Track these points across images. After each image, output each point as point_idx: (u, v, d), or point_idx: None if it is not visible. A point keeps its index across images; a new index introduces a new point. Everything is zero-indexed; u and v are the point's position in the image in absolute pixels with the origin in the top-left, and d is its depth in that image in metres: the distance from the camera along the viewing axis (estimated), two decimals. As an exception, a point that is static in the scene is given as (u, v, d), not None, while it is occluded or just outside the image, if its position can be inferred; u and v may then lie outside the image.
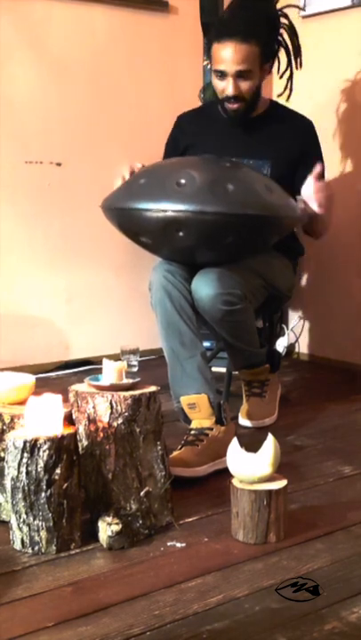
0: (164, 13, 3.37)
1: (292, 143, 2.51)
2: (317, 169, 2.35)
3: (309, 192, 2.37)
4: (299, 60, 2.63)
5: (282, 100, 2.68)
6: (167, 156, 2.62)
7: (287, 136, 2.52)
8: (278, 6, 2.59)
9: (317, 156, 2.55)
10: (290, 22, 2.57)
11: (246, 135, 2.53)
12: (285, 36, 2.57)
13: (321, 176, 2.41)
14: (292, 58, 2.61)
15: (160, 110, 3.20)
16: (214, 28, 2.46)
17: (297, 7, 2.68)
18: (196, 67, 3.37)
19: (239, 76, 2.39)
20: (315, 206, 2.37)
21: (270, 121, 2.54)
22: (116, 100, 3.30)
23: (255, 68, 2.41)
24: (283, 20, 2.56)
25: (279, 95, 2.72)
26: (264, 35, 2.42)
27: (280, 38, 2.55)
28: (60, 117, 3.16)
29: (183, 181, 2.11)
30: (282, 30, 2.55)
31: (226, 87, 2.41)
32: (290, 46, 2.59)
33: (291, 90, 2.67)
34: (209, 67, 3.06)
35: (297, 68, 2.63)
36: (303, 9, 2.74)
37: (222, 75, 2.40)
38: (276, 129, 2.53)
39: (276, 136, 2.52)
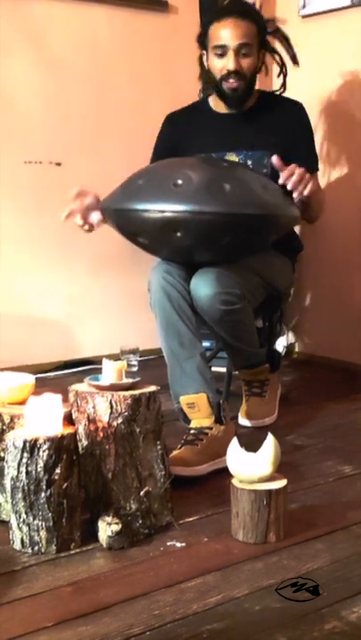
0: (164, 13, 3.37)
1: (285, 129, 2.50)
2: (273, 160, 2.26)
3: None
4: (293, 58, 2.61)
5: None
6: (157, 156, 2.58)
7: (280, 123, 2.51)
8: (275, 8, 2.60)
9: (309, 142, 2.55)
10: (278, 28, 2.57)
11: (240, 128, 2.52)
12: (277, 44, 2.58)
13: (288, 165, 2.28)
14: (284, 62, 2.60)
15: (160, 110, 3.18)
16: (210, 14, 2.49)
17: (276, 19, 2.69)
18: (196, 67, 3.35)
19: (240, 51, 2.39)
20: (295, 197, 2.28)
21: (262, 111, 2.53)
22: (116, 99, 3.30)
23: (255, 45, 2.42)
24: (273, 28, 2.55)
25: (272, 91, 2.70)
26: (259, 19, 2.45)
27: (269, 43, 2.54)
28: (60, 117, 3.16)
29: (180, 182, 2.11)
30: (273, 38, 2.55)
31: (226, 63, 2.40)
32: (282, 52, 2.59)
33: (284, 89, 2.66)
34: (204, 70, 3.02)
35: (296, 65, 2.62)
36: (276, 22, 2.73)
37: (223, 50, 2.40)
38: (268, 118, 2.52)
39: (269, 125, 2.51)
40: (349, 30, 3.13)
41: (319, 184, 2.61)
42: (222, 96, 2.49)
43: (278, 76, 2.62)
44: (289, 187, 2.22)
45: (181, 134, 2.58)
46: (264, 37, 2.48)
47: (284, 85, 2.63)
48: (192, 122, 2.59)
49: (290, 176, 2.22)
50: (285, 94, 2.65)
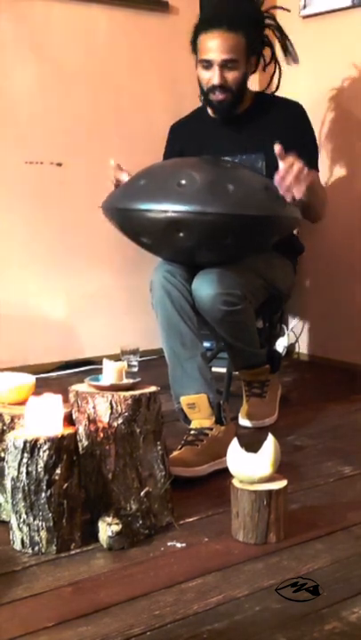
0: (164, 13, 3.37)
1: (281, 132, 2.46)
2: (276, 148, 2.19)
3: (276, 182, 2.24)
4: (290, 57, 2.60)
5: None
6: None
7: (277, 125, 2.50)
8: (273, 5, 2.58)
9: (307, 142, 2.54)
10: (276, 22, 2.56)
11: (236, 132, 2.52)
12: (272, 36, 2.57)
13: (293, 157, 2.23)
14: (277, 56, 2.60)
15: (160, 110, 3.20)
16: (200, 21, 2.47)
17: (286, 10, 2.68)
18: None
19: (225, 65, 2.39)
20: (287, 197, 2.22)
21: (258, 113, 2.53)
22: (117, 100, 3.30)
23: (241, 59, 2.40)
24: (269, 22, 2.55)
25: (264, 90, 2.69)
26: (249, 27, 2.42)
27: (266, 38, 2.54)
28: (60, 117, 3.16)
29: (184, 182, 2.11)
30: (269, 31, 2.55)
31: (212, 77, 2.41)
32: (275, 45, 2.58)
33: (278, 86, 2.66)
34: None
35: (288, 63, 2.61)
36: (288, 10, 2.74)
37: (208, 64, 2.40)
38: (264, 120, 2.52)
39: (265, 127, 2.50)
40: (350, 30, 3.13)
41: (320, 183, 2.60)
42: (210, 105, 2.51)
43: (273, 74, 2.62)
44: (281, 191, 2.18)
45: (183, 143, 2.60)
46: (255, 42, 2.46)
47: (277, 85, 2.63)
48: (192, 131, 2.61)
49: (286, 175, 2.17)
50: (286, 94, 2.65)
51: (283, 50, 2.58)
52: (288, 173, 2.17)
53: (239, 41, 2.38)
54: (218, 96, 2.44)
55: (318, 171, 2.57)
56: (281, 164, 2.19)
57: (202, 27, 2.42)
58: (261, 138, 2.47)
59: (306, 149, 2.50)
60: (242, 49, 2.40)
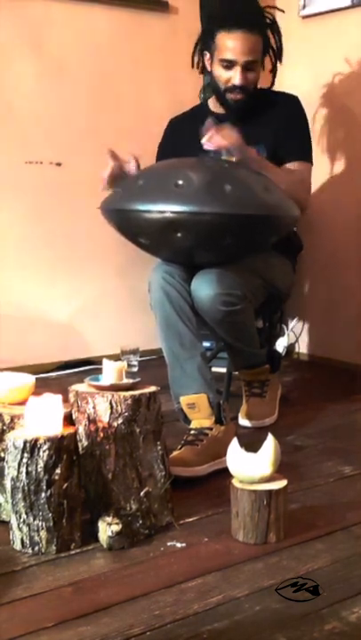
0: (164, 13, 3.37)
1: (277, 121, 2.50)
2: (206, 123, 2.27)
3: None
4: (279, 53, 2.61)
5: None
6: (160, 159, 2.60)
7: (272, 116, 2.52)
8: (268, 5, 2.60)
9: (301, 133, 2.55)
10: (276, 23, 2.57)
11: (235, 125, 2.51)
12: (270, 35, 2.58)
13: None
14: (276, 55, 2.60)
15: (160, 110, 3.19)
16: (216, 17, 2.47)
17: (280, 10, 2.69)
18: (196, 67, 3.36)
19: (247, 66, 2.41)
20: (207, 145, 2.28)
21: (256, 107, 2.53)
22: (116, 100, 3.30)
23: (259, 60, 2.45)
24: (270, 22, 2.55)
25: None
26: (265, 29, 2.47)
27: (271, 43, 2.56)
28: (60, 117, 3.16)
29: (181, 182, 2.11)
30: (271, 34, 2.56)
31: (233, 77, 2.42)
32: (273, 44, 2.59)
33: (273, 82, 2.67)
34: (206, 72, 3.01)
35: (280, 61, 2.62)
36: (283, 11, 2.75)
37: (230, 64, 2.41)
38: (262, 113, 2.53)
39: (262, 119, 2.51)
40: (350, 30, 3.13)
41: (303, 176, 2.55)
42: (224, 104, 2.51)
43: (271, 71, 2.63)
44: (204, 140, 2.24)
45: (181, 138, 2.59)
46: (268, 44, 2.50)
47: (273, 80, 2.65)
48: (191, 126, 2.58)
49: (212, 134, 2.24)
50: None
51: (277, 49, 2.59)
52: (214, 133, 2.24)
53: (258, 42, 2.42)
54: (236, 95, 2.45)
55: (311, 164, 2.57)
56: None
57: (221, 24, 2.42)
58: (260, 131, 2.48)
59: (298, 140, 2.51)
60: (260, 50, 2.44)
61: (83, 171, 3.20)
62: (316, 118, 3.17)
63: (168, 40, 3.37)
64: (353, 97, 3.15)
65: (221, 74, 2.45)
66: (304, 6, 3.26)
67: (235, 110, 2.50)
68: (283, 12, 2.70)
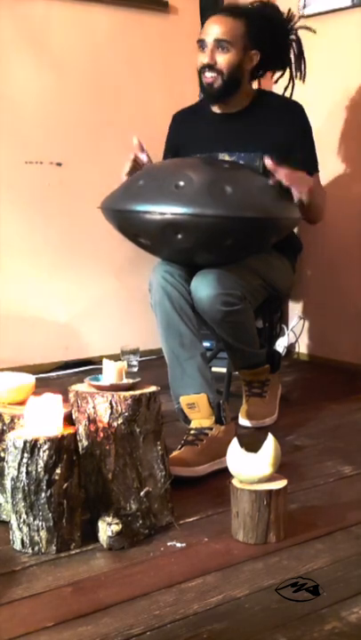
0: (164, 13, 3.37)
1: (280, 131, 2.46)
2: (266, 162, 2.24)
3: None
4: (300, 73, 2.62)
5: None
6: (166, 154, 2.63)
7: (276, 124, 2.48)
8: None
9: (306, 143, 2.53)
10: (298, 39, 2.57)
11: (234, 129, 2.50)
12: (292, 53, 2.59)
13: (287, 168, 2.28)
14: (293, 71, 2.62)
15: (160, 110, 3.19)
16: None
17: (312, 31, 2.69)
18: (196, 67, 3.36)
19: (218, 46, 2.39)
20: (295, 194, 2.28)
21: (258, 111, 2.52)
22: (116, 99, 3.30)
23: (236, 44, 2.39)
24: (292, 37, 2.56)
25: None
26: (254, 19, 2.43)
27: (286, 54, 2.56)
28: (60, 117, 3.16)
29: (182, 183, 2.11)
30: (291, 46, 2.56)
31: (202, 57, 2.41)
32: (292, 62, 2.60)
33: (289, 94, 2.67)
34: None
35: (301, 80, 2.62)
36: (314, 31, 2.74)
37: (202, 45, 2.41)
38: (264, 118, 2.50)
39: (264, 126, 2.49)
40: (350, 30, 3.13)
41: (320, 184, 2.60)
42: (202, 90, 2.50)
43: (285, 90, 2.62)
44: (286, 182, 2.21)
45: (183, 134, 2.60)
46: (258, 36, 2.44)
47: (289, 92, 2.64)
48: (192, 122, 2.60)
49: (286, 175, 2.22)
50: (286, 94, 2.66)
51: (297, 66, 2.60)
52: (288, 175, 2.22)
53: (237, 26, 2.39)
54: (208, 78, 2.42)
55: (318, 171, 2.56)
56: (276, 174, 2.23)
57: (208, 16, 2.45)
58: (261, 136, 2.46)
59: (304, 150, 2.50)
60: (239, 34, 2.40)
61: (83, 171, 3.21)
62: (316, 117, 3.16)
63: (168, 40, 3.37)
64: (353, 97, 3.15)
65: (198, 58, 2.43)
66: (304, 6, 3.25)
67: (207, 95, 2.47)
68: (314, 32, 2.68)
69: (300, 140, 2.50)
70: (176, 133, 2.63)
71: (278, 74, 2.66)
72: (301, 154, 2.46)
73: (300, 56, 2.59)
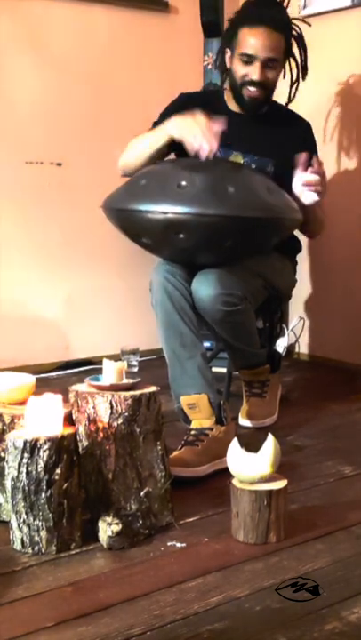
0: (164, 13, 3.37)
1: (292, 144, 2.48)
2: (302, 158, 2.30)
3: (299, 183, 2.35)
4: (304, 69, 2.62)
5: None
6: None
7: (288, 136, 2.51)
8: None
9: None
10: (301, 35, 2.57)
11: (250, 132, 2.50)
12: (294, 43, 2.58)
13: (311, 165, 2.35)
14: (300, 67, 2.61)
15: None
16: (242, 16, 2.46)
17: (306, 23, 2.68)
18: (197, 67, 3.36)
19: (267, 63, 2.39)
20: (310, 197, 2.32)
21: (272, 120, 2.53)
22: (117, 99, 3.30)
23: (280, 60, 2.43)
24: (295, 33, 2.55)
25: (287, 104, 2.69)
26: (288, 30, 2.46)
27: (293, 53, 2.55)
28: (60, 117, 3.16)
29: (184, 183, 2.10)
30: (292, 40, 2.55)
31: (251, 72, 2.39)
32: (297, 56, 2.59)
33: (294, 97, 2.67)
34: (209, 67, 3.02)
35: (303, 78, 2.63)
36: (308, 24, 2.74)
37: (250, 59, 2.39)
38: (277, 128, 2.52)
39: (277, 135, 2.50)
40: (350, 31, 3.13)
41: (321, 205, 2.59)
42: (239, 100, 2.48)
43: (291, 86, 2.62)
44: (313, 187, 2.28)
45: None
46: (290, 48, 2.49)
47: (293, 96, 2.64)
48: (207, 106, 2.47)
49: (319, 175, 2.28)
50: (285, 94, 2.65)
51: (302, 62, 2.59)
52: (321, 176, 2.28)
53: (281, 42, 2.41)
54: (253, 92, 2.42)
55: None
56: (308, 171, 2.29)
57: (245, 21, 2.41)
58: (272, 144, 2.48)
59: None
60: (282, 50, 2.42)
61: (83, 171, 3.21)
62: (317, 118, 3.16)
63: (168, 40, 3.37)
64: (353, 97, 3.15)
65: (239, 69, 2.41)
66: (304, 6, 3.25)
67: (249, 107, 2.47)
68: (309, 25, 2.68)
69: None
70: (187, 108, 2.43)
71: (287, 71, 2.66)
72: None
73: (305, 51, 2.59)
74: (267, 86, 2.43)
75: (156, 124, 2.48)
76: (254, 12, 2.45)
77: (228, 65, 2.49)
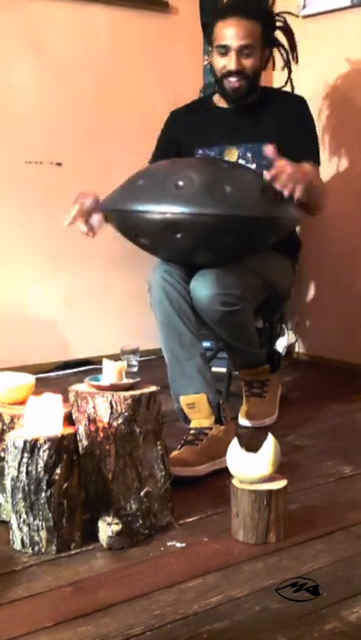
0: (164, 13, 3.37)
1: (285, 121, 2.49)
2: (268, 150, 2.21)
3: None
4: (295, 55, 2.64)
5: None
6: (159, 151, 2.59)
7: (280, 115, 2.51)
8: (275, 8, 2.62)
9: (308, 134, 2.54)
10: (285, 23, 2.59)
11: (240, 122, 2.52)
12: (283, 38, 2.60)
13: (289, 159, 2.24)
14: (290, 55, 2.64)
15: (160, 110, 3.18)
16: (217, 11, 2.51)
17: (293, 15, 2.70)
18: (197, 67, 3.36)
19: (242, 51, 2.40)
20: (285, 191, 2.18)
21: (262, 104, 2.53)
22: (117, 99, 3.30)
23: (257, 46, 2.43)
24: (279, 23, 2.58)
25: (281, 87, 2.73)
26: (263, 17, 2.47)
27: (276, 38, 2.57)
28: (60, 117, 3.16)
29: (181, 183, 2.10)
30: (279, 32, 2.57)
31: (228, 63, 2.42)
32: (286, 45, 2.61)
33: (292, 87, 2.69)
34: (209, 66, 3.04)
35: (295, 62, 2.64)
36: (296, 16, 2.77)
37: (225, 50, 2.41)
38: (269, 110, 2.52)
39: (269, 117, 2.51)
40: (350, 30, 3.13)
41: (320, 178, 2.58)
42: (224, 93, 2.50)
43: (283, 69, 2.63)
44: (278, 185, 2.14)
45: (184, 130, 2.58)
46: (270, 35, 2.50)
47: (289, 81, 2.66)
48: (194, 117, 2.59)
49: (278, 174, 2.13)
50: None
51: (291, 50, 2.61)
52: (281, 173, 2.13)
53: (254, 28, 2.41)
54: (233, 83, 2.44)
55: (319, 164, 2.55)
56: (271, 169, 2.16)
57: (218, 16, 2.45)
58: (266, 129, 2.48)
59: (307, 141, 2.51)
60: (257, 36, 2.43)
61: (83, 171, 3.21)
62: (317, 116, 3.16)
63: (168, 40, 3.37)
64: (353, 96, 3.15)
65: (218, 62, 2.44)
66: (304, 6, 3.25)
67: (233, 99, 2.49)
68: (296, 16, 2.71)
69: (302, 132, 2.51)
70: (175, 130, 2.61)
71: (279, 62, 2.68)
72: (304, 143, 2.47)
73: (292, 38, 2.61)
74: (246, 75, 2.43)
75: (159, 140, 2.61)
76: (227, 5, 2.53)
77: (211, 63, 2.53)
